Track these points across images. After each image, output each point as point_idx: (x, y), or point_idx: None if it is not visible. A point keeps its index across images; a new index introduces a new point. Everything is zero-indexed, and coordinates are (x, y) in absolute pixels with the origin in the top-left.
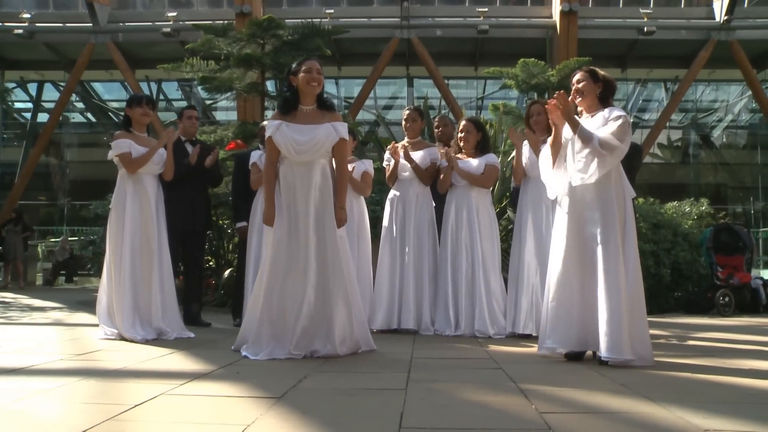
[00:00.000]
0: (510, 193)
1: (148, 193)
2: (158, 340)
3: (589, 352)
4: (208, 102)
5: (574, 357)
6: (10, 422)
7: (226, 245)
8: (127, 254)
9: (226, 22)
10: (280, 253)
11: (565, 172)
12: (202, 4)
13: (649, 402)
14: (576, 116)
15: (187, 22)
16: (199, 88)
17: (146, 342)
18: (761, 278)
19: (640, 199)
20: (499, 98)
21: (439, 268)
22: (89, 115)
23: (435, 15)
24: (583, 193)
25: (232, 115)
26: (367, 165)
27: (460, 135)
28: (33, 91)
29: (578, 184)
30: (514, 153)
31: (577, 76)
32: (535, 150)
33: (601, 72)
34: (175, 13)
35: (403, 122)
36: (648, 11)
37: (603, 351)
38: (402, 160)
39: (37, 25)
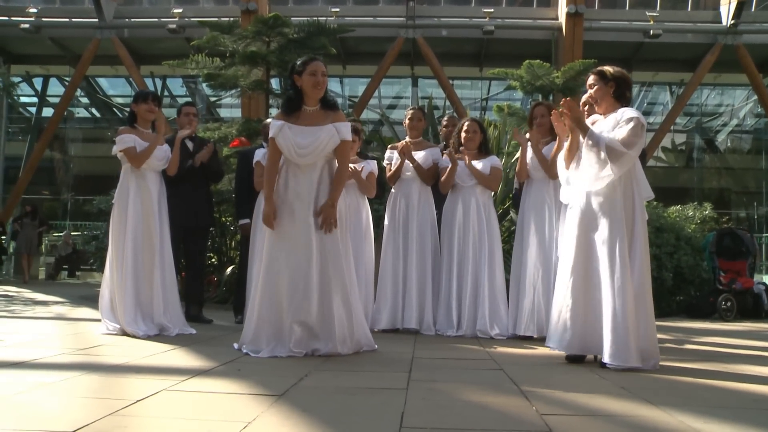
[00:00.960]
0: (512, 194)
1: (151, 188)
2: (160, 335)
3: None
4: (212, 99)
5: (576, 359)
6: (12, 415)
7: (229, 242)
8: (129, 250)
9: (231, 19)
10: (280, 251)
11: (577, 177)
12: (208, 1)
13: (650, 405)
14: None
15: (192, 19)
16: (204, 84)
17: (148, 337)
18: (764, 283)
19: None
20: (504, 99)
21: (444, 269)
22: (94, 111)
23: (440, 15)
24: (591, 198)
25: (237, 113)
26: (372, 165)
27: (464, 135)
28: (38, 86)
29: (587, 189)
30: (518, 154)
31: (589, 81)
32: (537, 152)
33: (610, 69)
34: (180, 10)
35: (407, 121)
36: (654, 14)
37: (607, 357)
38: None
39: (43, 19)
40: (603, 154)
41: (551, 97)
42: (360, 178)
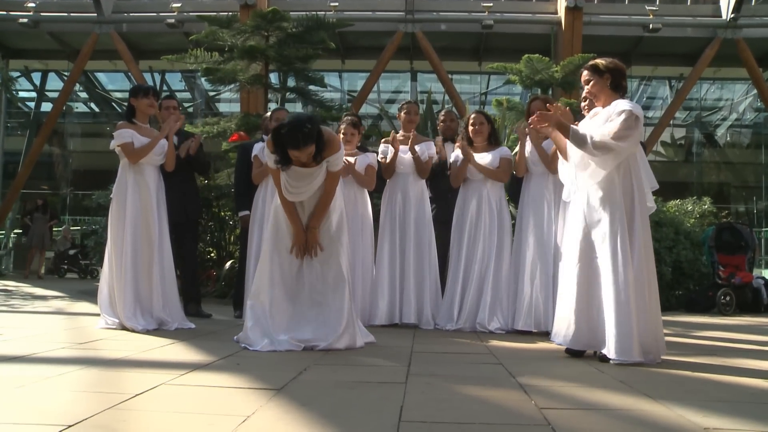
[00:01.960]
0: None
1: (149, 183)
2: (159, 330)
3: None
4: (211, 93)
5: (575, 353)
6: (11, 410)
7: (228, 237)
8: (128, 244)
9: (230, 13)
10: (279, 241)
11: (576, 173)
12: None
13: (649, 399)
14: (574, 119)
15: (191, 13)
16: (203, 79)
17: (147, 332)
18: (763, 278)
19: None
20: (503, 94)
21: (452, 262)
22: (92, 105)
23: (439, 9)
24: (591, 194)
25: (235, 107)
26: (371, 158)
27: (471, 128)
28: (37, 81)
29: (583, 183)
30: (518, 148)
31: (583, 78)
32: (537, 147)
33: (602, 62)
34: (179, 4)
35: (404, 115)
36: (654, 8)
37: (611, 353)
38: (401, 153)
39: (41, 14)
40: (594, 150)
41: (550, 92)
42: (356, 172)
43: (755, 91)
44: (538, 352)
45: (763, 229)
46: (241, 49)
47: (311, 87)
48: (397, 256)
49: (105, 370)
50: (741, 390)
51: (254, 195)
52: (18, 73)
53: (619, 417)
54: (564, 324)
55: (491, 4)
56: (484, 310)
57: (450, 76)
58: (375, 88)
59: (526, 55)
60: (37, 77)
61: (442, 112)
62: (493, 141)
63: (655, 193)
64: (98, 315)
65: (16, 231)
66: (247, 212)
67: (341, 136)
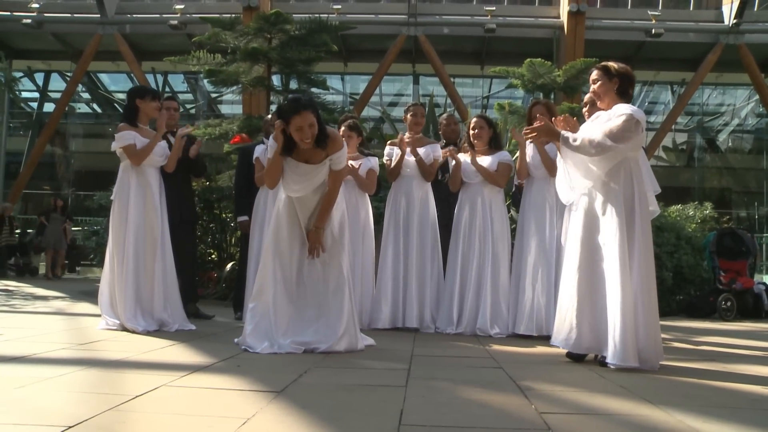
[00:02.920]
0: (511, 192)
1: (152, 184)
2: (160, 331)
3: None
4: (213, 95)
5: (576, 357)
6: (11, 410)
7: (229, 239)
8: (130, 245)
9: (233, 15)
10: (280, 243)
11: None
12: None
13: (649, 405)
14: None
15: (194, 15)
16: (205, 81)
17: (148, 333)
18: (764, 284)
19: None
20: (505, 97)
21: (449, 267)
22: (95, 106)
23: (442, 13)
24: (592, 198)
25: (238, 109)
26: (373, 162)
27: (472, 132)
28: (40, 81)
29: (582, 186)
30: (518, 153)
31: (592, 76)
32: (540, 151)
33: (615, 65)
34: (182, 6)
35: (409, 117)
36: (656, 13)
37: (609, 357)
38: (406, 156)
39: (45, 15)
40: (590, 148)
41: (552, 96)
42: (358, 176)
43: (757, 97)
44: (539, 357)
45: (765, 235)
46: (243, 51)
47: (314, 89)
48: (401, 259)
49: (105, 371)
50: (741, 396)
51: (254, 198)
52: (21, 74)
53: (619, 422)
54: (565, 328)
55: (494, 8)
56: (484, 315)
57: (452, 79)
58: (377, 91)
59: (529, 59)
60: (40, 78)
61: (444, 116)
62: (493, 145)
63: (656, 197)
64: (99, 316)
65: (28, 231)
66: (246, 218)
67: None
